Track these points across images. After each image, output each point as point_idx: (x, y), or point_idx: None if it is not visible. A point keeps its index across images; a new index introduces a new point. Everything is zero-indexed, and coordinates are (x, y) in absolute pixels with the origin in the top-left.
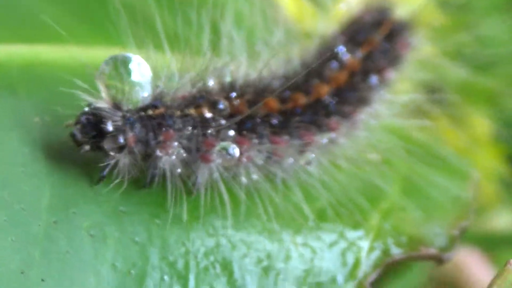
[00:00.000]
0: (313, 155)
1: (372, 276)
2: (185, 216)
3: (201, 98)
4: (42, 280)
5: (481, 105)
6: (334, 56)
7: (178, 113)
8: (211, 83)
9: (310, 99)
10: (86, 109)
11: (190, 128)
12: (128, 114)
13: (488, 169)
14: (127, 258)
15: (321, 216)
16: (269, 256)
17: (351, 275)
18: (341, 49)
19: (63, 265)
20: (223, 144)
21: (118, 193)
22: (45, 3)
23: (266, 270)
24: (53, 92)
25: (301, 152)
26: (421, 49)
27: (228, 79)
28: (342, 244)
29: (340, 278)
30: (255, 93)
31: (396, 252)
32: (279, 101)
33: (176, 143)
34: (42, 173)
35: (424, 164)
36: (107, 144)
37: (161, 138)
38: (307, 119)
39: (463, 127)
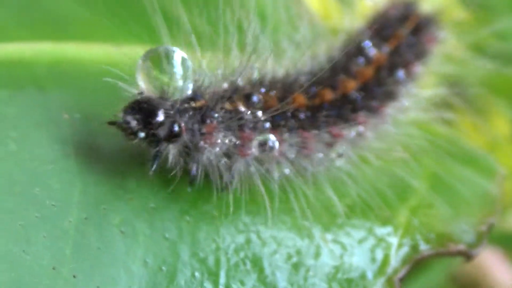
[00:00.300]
0: (344, 148)
1: (402, 272)
2: (215, 212)
3: (234, 93)
4: (74, 276)
5: (504, 101)
6: (361, 51)
7: (217, 106)
8: (240, 79)
9: (337, 94)
10: (138, 97)
11: (229, 121)
12: (177, 104)
13: (510, 167)
14: (157, 255)
15: (351, 212)
16: (299, 253)
17: (380, 271)
18: (367, 44)
19: (94, 261)
20: (262, 137)
21: (148, 189)
22: (71, 1)
23: (296, 267)
24: (82, 89)
25: (330, 146)
26: (446, 43)
27: (256, 76)
28: (371, 241)
29: (369, 274)
30: (283, 89)
31: (425, 248)
32: (307, 96)
33: (220, 135)
34: (72, 169)
35: (451, 159)
36: (162, 132)
37: (205, 129)
38: (334, 114)
39: (486, 123)
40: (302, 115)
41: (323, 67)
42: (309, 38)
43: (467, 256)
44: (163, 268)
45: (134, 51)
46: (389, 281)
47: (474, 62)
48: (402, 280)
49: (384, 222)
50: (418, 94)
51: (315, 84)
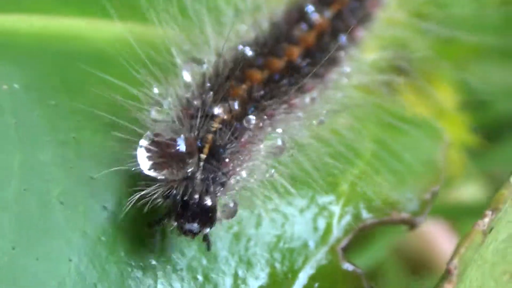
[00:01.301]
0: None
1: (344, 242)
2: None
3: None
4: (13, 248)
5: (449, 68)
6: (303, 17)
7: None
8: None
9: (283, 62)
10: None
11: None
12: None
13: (453, 138)
14: (97, 225)
15: (293, 182)
16: (239, 222)
17: (323, 240)
18: (310, 9)
19: (34, 233)
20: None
21: (88, 160)
22: None
23: (237, 236)
24: (20, 60)
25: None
26: (390, 7)
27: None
28: (313, 210)
29: (311, 244)
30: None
31: (368, 217)
32: (259, 70)
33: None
34: (12, 140)
35: (395, 125)
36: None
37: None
38: (286, 83)
39: (431, 90)
40: (261, 92)
41: (266, 35)
42: (251, 5)
43: (411, 224)
44: (103, 238)
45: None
46: (332, 250)
47: (419, 26)
48: (345, 250)
49: (327, 191)
50: (361, 59)
51: (261, 55)
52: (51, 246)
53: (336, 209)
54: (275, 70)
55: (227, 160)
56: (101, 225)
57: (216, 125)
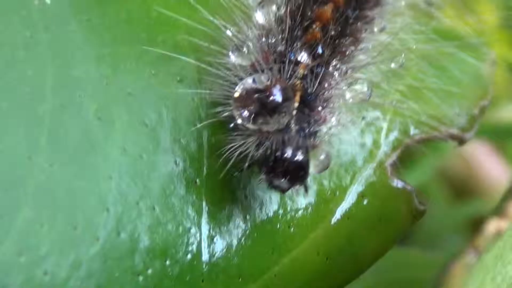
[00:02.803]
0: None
1: (392, 158)
2: (195, 98)
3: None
4: (50, 165)
5: None
6: None
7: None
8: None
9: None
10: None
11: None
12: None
13: (496, 57)
14: (137, 142)
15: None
16: None
17: (370, 156)
18: None
19: (71, 150)
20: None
21: (125, 76)
22: None
23: None
24: None
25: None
26: None
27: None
28: (360, 125)
29: (359, 160)
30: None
31: (415, 132)
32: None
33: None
34: (45, 56)
35: (441, 42)
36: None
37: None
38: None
39: (473, 10)
40: (335, 30)
41: None
42: None
43: (459, 140)
44: (143, 155)
45: None
46: (380, 166)
47: None
48: (394, 166)
49: (373, 106)
50: None
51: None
52: (90, 164)
53: (383, 124)
54: (339, 3)
55: (319, 108)
56: (140, 142)
57: (302, 71)
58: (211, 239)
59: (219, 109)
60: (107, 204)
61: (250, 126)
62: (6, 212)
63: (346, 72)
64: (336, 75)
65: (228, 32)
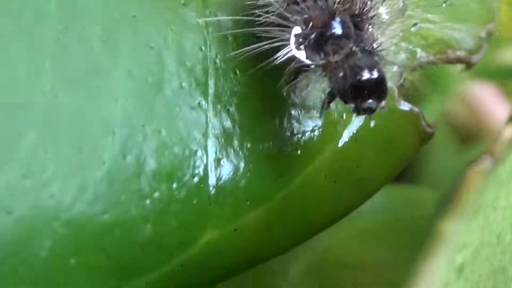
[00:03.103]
0: None
1: (399, 80)
2: (201, 22)
3: None
4: (54, 88)
5: None
6: None
7: None
8: None
9: None
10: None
11: None
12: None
13: None
14: (142, 65)
15: None
16: None
17: None
18: None
19: (76, 73)
20: None
21: None
22: None
23: None
24: None
25: None
26: None
27: None
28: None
29: None
30: None
31: (422, 55)
32: None
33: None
34: None
35: None
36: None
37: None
38: None
39: None
40: None
41: None
42: None
43: (467, 62)
44: (149, 78)
45: None
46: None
47: None
48: (400, 88)
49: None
50: None
51: None
52: (95, 86)
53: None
54: None
55: (369, 27)
56: (146, 64)
57: None
58: (217, 162)
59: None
60: (113, 126)
61: (319, 62)
62: (11, 136)
63: None
64: None
65: None
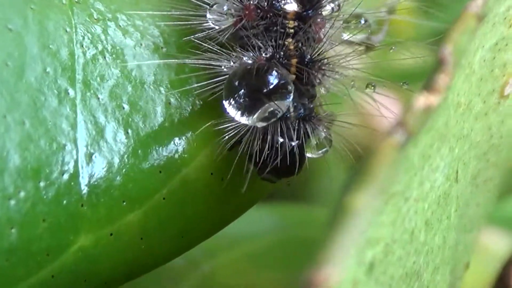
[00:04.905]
0: None
1: None
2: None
3: None
4: None
5: None
6: None
7: None
8: None
9: None
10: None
11: None
12: None
13: None
14: (1, 48)
15: None
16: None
17: None
18: None
19: None
20: None
21: None
22: None
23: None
24: None
25: None
26: None
27: None
28: None
29: None
30: None
31: None
32: None
33: None
34: None
35: None
36: None
37: None
38: None
39: None
40: None
41: None
42: None
43: (367, 45)
44: (9, 63)
45: None
46: None
47: None
48: None
49: None
50: None
51: None
52: None
53: None
54: None
55: (318, 72)
56: (5, 48)
57: (292, 23)
58: (89, 157)
59: None
60: None
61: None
62: None
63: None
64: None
65: None
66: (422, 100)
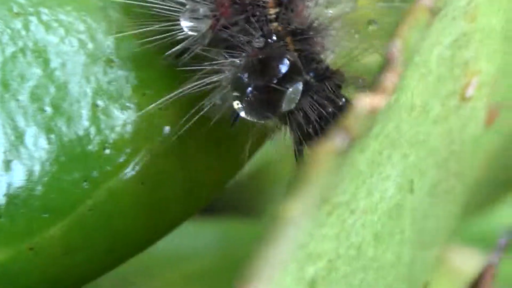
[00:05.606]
0: None
1: None
2: None
3: None
4: None
5: None
6: None
7: None
8: None
9: None
10: None
11: None
12: None
13: None
14: None
15: None
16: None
17: None
18: None
19: None
20: None
21: None
22: None
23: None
24: None
25: None
26: None
27: None
28: None
29: None
30: None
31: None
32: None
33: None
34: None
35: None
36: None
37: None
38: None
39: None
40: None
41: None
42: None
43: None
44: None
45: None
46: None
47: None
48: None
49: None
50: None
51: None
52: None
53: None
54: None
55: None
56: None
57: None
58: (7, 164)
59: None
60: None
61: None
62: None
63: None
64: None
65: None
66: (366, 101)
